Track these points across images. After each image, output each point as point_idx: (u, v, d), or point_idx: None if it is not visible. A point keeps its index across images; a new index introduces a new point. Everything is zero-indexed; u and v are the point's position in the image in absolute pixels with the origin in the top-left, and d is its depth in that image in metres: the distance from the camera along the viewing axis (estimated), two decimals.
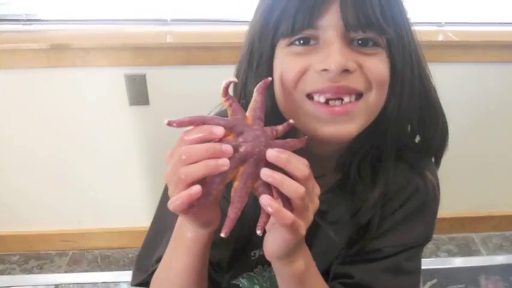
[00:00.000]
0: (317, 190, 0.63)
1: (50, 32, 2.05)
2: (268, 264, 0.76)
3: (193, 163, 0.55)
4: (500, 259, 1.13)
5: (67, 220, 2.38)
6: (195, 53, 2.00)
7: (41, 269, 2.32)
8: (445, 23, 2.18)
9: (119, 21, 2.07)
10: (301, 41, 0.68)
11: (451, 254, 2.46)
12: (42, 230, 2.40)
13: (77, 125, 2.13)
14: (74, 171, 2.25)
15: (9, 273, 2.28)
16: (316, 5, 0.65)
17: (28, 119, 2.11)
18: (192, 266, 0.70)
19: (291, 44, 0.69)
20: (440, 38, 2.11)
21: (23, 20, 2.02)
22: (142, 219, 2.24)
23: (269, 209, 0.56)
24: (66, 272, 2.29)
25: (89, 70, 2.00)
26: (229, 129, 0.58)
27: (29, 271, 2.31)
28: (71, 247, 2.43)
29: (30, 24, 2.03)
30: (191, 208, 0.57)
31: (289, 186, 0.57)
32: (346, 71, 0.66)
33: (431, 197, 0.83)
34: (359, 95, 0.69)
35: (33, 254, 2.40)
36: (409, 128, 0.80)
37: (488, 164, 2.42)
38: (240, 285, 1.00)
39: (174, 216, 0.69)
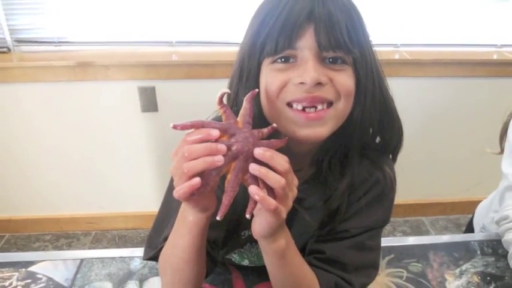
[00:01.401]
0: (295, 181, 0.63)
1: (76, 52, 2.05)
2: (256, 242, 0.76)
3: (194, 159, 0.55)
4: (445, 238, 1.14)
5: (91, 206, 2.38)
6: (196, 69, 2.01)
7: (69, 246, 2.32)
8: (401, 44, 2.20)
9: (133, 43, 2.08)
10: (283, 59, 0.68)
11: (405, 233, 2.48)
12: (71, 214, 2.39)
13: (98, 128, 2.13)
14: (96, 165, 2.25)
15: (43, 249, 2.28)
16: (294, 29, 0.65)
17: (58, 123, 2.10)
18: (192, 243, 0.70)
19: (274, 61, 0.68)
20: (396, 56, 2.13)
21: (55, 42, 2.03)
22: (152, 205, 2.23)
23: (256, 197, 0.56)
24: (90, 248, 2.29)
25: (108, 83, 2.01)
26: (224, 131, 0.58)
27: (59, 248, 2.30)
28: (94, 228, 2.42)
29: (60, 45, 2.04)
30: (192, 196, 0.56)
31: (273, 178, 0.56)
32: (319, 84, 0.65)
33: (389, 187, 0.83)
34: (330, 104, 0.68)
35: (62, 234, 2.39)
36: (371, 130, 0.80)
37: (435, 160, 2.44)
38: (232, 259, 1.00)
39: (178, 203, 0.68)
